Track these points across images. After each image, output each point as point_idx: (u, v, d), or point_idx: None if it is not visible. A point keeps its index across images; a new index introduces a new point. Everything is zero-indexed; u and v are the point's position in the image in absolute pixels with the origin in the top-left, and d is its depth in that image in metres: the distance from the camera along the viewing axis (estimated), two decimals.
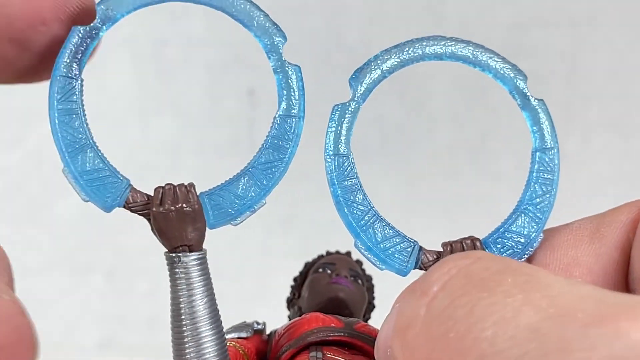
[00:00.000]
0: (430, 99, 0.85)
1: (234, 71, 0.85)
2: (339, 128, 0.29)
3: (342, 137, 0.29)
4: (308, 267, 0.40)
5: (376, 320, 0.35)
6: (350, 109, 0.29)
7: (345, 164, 0.29)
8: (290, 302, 0.40)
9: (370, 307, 0.39)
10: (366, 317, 0.39)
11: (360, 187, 0.29)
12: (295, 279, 0.40)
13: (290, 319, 0.38)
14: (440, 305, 0.21)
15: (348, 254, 0.40)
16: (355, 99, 0.29)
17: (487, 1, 0.84)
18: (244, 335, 0.34)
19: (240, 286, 0.77)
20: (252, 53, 0.85)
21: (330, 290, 0.37)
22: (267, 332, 0.36)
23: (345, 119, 0.29)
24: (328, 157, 0.29)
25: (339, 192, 0.29)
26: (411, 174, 0.85)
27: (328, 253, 0.41)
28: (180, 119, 0.85)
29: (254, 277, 0.83)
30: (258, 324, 0.35)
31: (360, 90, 0.30)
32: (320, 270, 0.38)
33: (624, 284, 0.28)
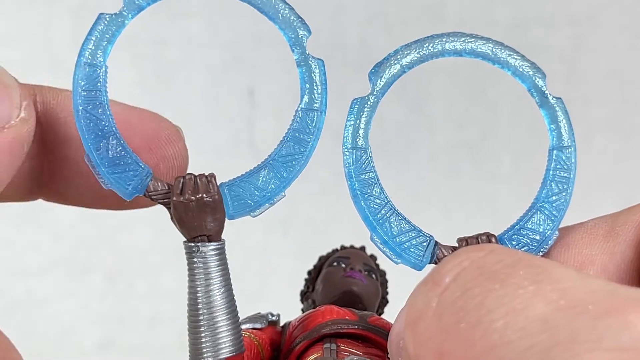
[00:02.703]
0: (430, 98, 0.85)
1: (234, 71, 0.85)
2: (358, 122, 0.29)
3: (361, 131, 0.29)
4: (322, 260, 0.40)
5: (389, 315, 0.36)
6: (369, 103, 0.29)
7: (363, 157, 0.29)
8: (304, 295, 0.40)
9: (384, 301, 0.39)
10: (379, 312, 0.39)
11: (377, 180, 0.29)
12: (309, 272, 0.40)
13: (303, 312, 0.38)
14: (451, 297, 0.21)
15: (362, 248, 0.40)
16: (374, 93, 0.30)
17: (487, 1, 0.84)
18: (258, 326, 0.34)
19: (240, 285, 0.77)
20: (252, 53, 0.85)
21: (344, 284, 0.37)
22: (281, 323, 0.36)
23: (364, 113, 0.29)
24: (346, 150, 0.29)
25: (356, 185, 0.29)
26: (411, 173, 0.85)
27: (342, 247, 0.41)
28: (180, 119, 0.85)
29: (253, 276, 0.83)
30: (272, 315, 0.35)
31: (380, 84, 0.30)
32: (335, 264, 0.38)
33: (638, 282, 0.28)
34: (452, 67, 0.83)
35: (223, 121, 0.85)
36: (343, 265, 0.38)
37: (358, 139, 0.29)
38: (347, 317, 0.33)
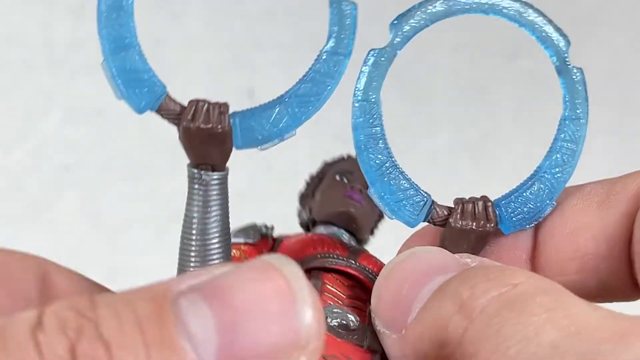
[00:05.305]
0: (430, 98, 0.85)
1: (234, 71, 0.85)
2: (372, 74, 0.29)
3: (373, 84, 0.29)
4: (326, 168, 0.39)
5: (379, 244, 0.36)
6: (385, 55, 0.29)
7: (372, 110, 0.29)
8: (303, 199, 0.39)
9: (379, 219, 0.39)
10: (373, 230, 0.38)
11: (383, 135, 0.29)
12: (312, 177, 0.39)
13: (299, 217, 0.38)
14: (476, 328, 0.23)
15: None
16: (393, 44, 0.29)
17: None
18: (250, 240, 0.33)
19: None
20: (252, 53, 0.85)
21: (343, 204, 0.36)
22: (275, 235, 0.35)
23: (380, 66, 0.29)
24: (356, 102, 0.29)
25: (362, 137, 0.29)
26: (409, 172, 0.85)
27: (349, 157, 0.40)
28: None
29: None
30: (266, 227, 0.35)
31: (399, 36, 0.29)
32: (337, 177, 0.38)
33: (626, 253, 0.28)
34: (452, 67, 0.83)
35: None
36: (345, 181, 0.37)
37: (369, 92, 0.29)
38: (337, 252, 0.33)
